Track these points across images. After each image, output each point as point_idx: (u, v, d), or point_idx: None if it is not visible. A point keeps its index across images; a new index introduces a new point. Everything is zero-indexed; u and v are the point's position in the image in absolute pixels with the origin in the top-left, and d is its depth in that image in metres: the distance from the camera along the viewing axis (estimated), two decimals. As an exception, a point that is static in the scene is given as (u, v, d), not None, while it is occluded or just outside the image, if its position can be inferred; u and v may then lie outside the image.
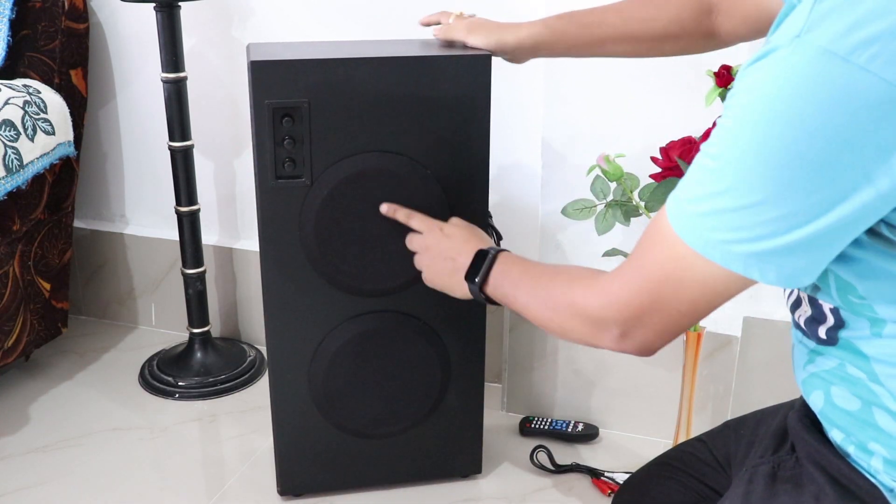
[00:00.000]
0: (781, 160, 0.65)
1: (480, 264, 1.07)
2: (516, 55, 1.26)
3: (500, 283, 1.05)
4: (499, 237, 1.38)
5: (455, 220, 1.24)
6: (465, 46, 1.27)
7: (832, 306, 0.78)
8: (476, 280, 1.07)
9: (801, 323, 0.84)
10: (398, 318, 1.38)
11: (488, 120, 1.30)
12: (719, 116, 0.72)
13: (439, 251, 1.18)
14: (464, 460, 1.52)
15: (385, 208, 1.27)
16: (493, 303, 1.08)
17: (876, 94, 0.62)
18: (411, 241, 1.24)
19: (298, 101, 1.22)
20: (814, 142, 0.64)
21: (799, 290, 0.82)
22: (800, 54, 0.64)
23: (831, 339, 0.79)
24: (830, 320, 0.79)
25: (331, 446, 1.44)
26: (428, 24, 1.35)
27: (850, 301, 0.75)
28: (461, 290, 1.12)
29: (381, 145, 1.27)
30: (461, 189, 1.32)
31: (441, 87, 1.26)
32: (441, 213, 1.28)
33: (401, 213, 1.26)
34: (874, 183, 0.64)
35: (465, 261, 1.10)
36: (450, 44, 1.30)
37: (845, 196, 0.65)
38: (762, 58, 0.67)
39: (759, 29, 1.14)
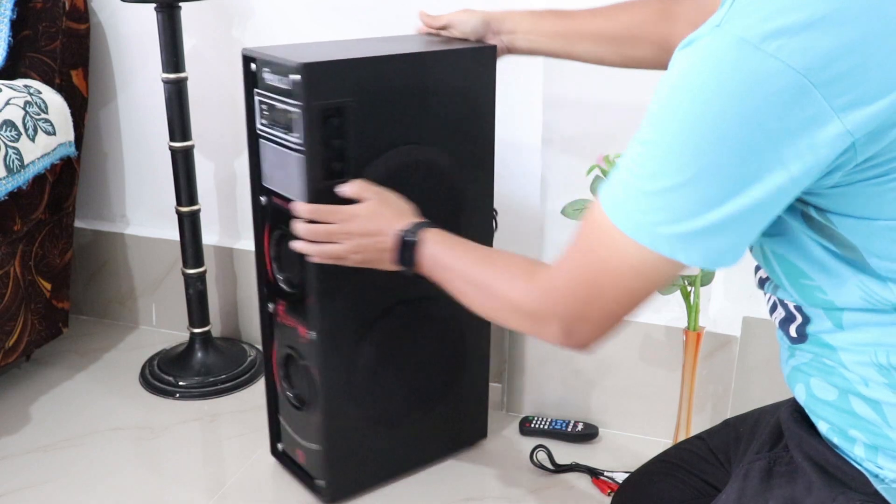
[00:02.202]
0: (701, 143, 0.68)
1: (405, 249, 1.06)
2: (496, 39, 1.34)
3: (430, 267, 1.04)
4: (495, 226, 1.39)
5: (365, 194, 1.17)
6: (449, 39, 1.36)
7: (795, 304, 0.82)
8: (406, 266, 1.07)
9: (777, 324, 0.87)
10: (416, 305, 1.41)
11: (494, 106, 1.39)
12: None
13: (364, 235, 1.12)
14: (472, 430, 1.59)
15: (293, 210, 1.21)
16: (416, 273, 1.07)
17: (784, 81, 0.65)
18: (328, 233, 1.15)
19: (344, 100, 1.23)
20: (730, 125, 0.67)
21: (771, 293, 0.86)
22: (718, 42, 0.67)
23: (801, 336, 0.83)
24: (798, 318, 0.83)
25: (365, 442, 1.45)
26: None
27: (804, 287, 0.79)
28: (391, 267, 1.11)
29: (414, 138, 1.32)
30: (470, 176, 1.41)
31: (456, 77, 1.33)
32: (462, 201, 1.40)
33: (304, 209, 1.18)
34: (786, 166, 0.68)
35: (391, 242, 1.08)
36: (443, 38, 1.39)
37: (759, 178, 0.68)
38: (687, 45, 0.70)
39: None
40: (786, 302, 0.84)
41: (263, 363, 1.93)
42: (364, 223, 1.13)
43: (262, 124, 1.32)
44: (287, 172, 1.29)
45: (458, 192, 1.39)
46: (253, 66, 1.31)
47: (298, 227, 1.17)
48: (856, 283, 0.75)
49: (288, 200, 1.29)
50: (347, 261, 1.15)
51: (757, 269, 0.88)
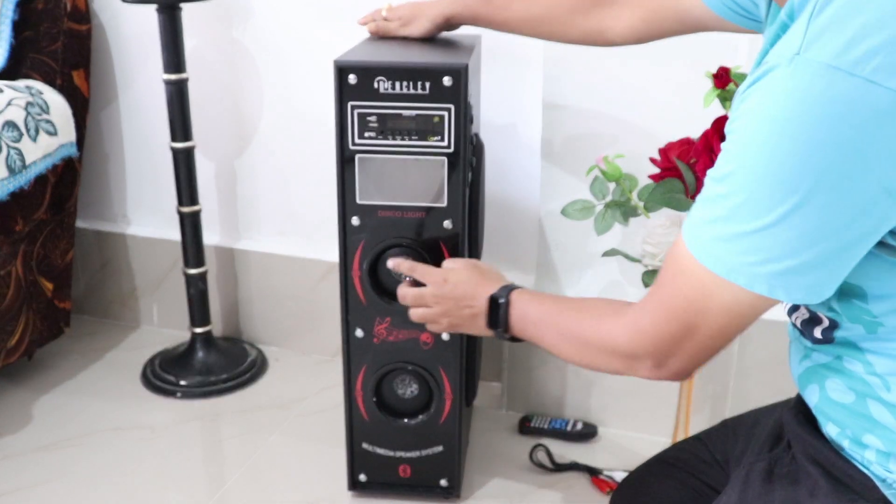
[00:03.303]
0: (793, 178, 0.65)
1: (497, 311, 1.05)
2: (446, 28, 1.39)
3: (521, 326, 1.04)
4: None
5: (454, 264, 1.19)
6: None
7: (830, 308, 0.79)
8: (499, 328, 1.05)
9: (798, 324, 0.85)
10: None
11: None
12: (724, 129, 0.73)
13: (454, 301, 1.13)
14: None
15: (391, 263, 1.26)
16: (520, 340, 1.07)
17: (883, 104, 0.62)
18: (419, 296, 1.17)
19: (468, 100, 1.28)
20: (825, 156, 0.64)
21: None
22: (801, 72, 0.64)
23: (827, 339, 0.81)
24: (826, 322, 0.81)
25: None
26: (365, 24, 1.44)
27: (852, 305, 0.76)
28: (484, 332, 1.10)
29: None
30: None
31: None
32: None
33: (404, 266, 1.23)
34: (892, 193, 0.65)
35: (482, 307, 1.08)
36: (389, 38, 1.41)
37: (864, 209, 0.65)
38: (761, 78, 0.67)
39: (655, 30, 1.20)
40: (814, 305, 0.81)
41: (264, 362, 1.94)
42: (454, 288, 1.13)
43: (369, 136, 1.27)
44: (416, 180, 1.29)
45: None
46: (352, 77, 1.24)
47: (399, 289, 1.21)
48: None
49: (405, 210, 1.30)
50: (439, 325, 1.16)
51: None
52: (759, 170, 0.66)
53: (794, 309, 0.86)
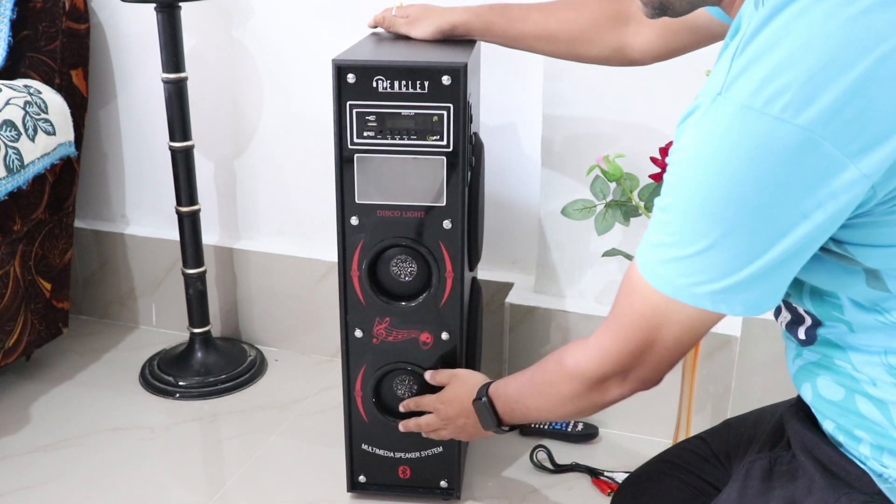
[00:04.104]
0: (720, 209, 0.71)
1: (485, 412, 1.15)
2: (454, 37, 1.37)
3: (509, 412, 1.12)
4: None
5: (440, 378, 1.33)
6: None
7: (806, 309, 0.83)
8: (496, 427, 1.15)
9: (784, 327, 0.88)
10: None
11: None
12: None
13: (455, 417, 1.25)
14: None
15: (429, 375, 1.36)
16: (520, 427, 1.17)
17: (792, 139, 0.66)
18: (429, 426, 1.32)
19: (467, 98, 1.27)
20: (746, 189, 0.69)
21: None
22: (721, 111, 0.69)
23: (810, 338, 0.84)
24: (807, 320, 0.84)
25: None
26: (376, 26, 1.43)
27: (824, 302, 0.80)
28: (488, 434, 1.20)
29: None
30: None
31: None
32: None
33: (410, 404, 1.36)
34: (810, 217, 0.69)
35: (475, 416, 1.18)
36: (398, 35, 1.40)
37: (785, 232, 0.70)
38: (690, 114, 0.73)
39: (673, 45, 1.22)
40: (794, 306, 0.85)
41: (263, 363, 1.93)
42: (448, 410, 1.27)
43: (368, 136, 1.27)
44: (415, 180, 1.28)
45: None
46: (351, 77, 1.24)
47: (407, 424, 1.35)
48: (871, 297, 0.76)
49: (404, 210, 1.30)
50: (460, 437, 1.30)
51: None
52: (689, 201, 0.73)
53: (778, 313, 0.89)
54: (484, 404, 1.14)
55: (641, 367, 0.86)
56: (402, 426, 1.35)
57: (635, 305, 0.82)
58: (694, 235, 0.73)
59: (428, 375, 1.35)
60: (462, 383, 1.27)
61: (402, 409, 1.37)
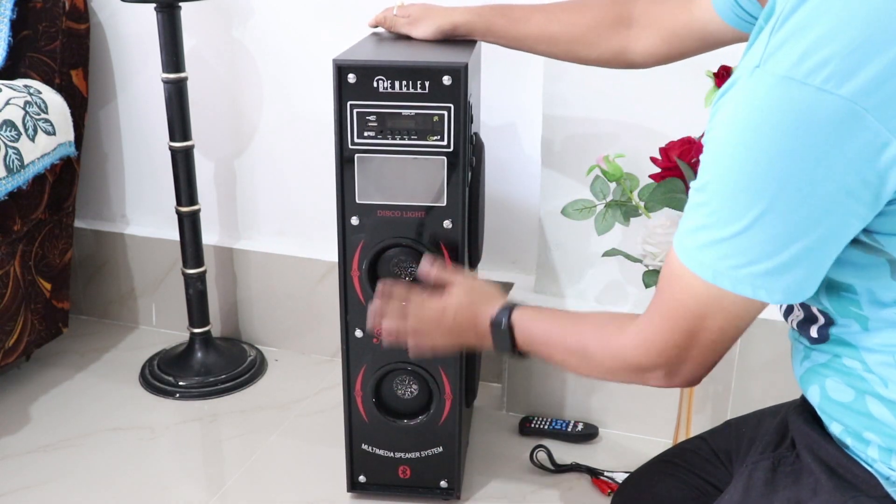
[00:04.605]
0: (760, 184, 0.69)
1: (501, 335, 1.03)
2: (454, 37, 1.36)
3: (527, 345, 1.02)
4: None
5: (437, 276, 1.14)
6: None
7: (820, 307, 0.82)
8: (505, 351, 1.04)
9: (794, 326, 0.87)
10: None
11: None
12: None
13: (454, 328, 1.09)
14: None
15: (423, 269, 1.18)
16: (527, 356, 1.05)
17: (835, 110, 0.65)
18: (411, 326, 1.11)
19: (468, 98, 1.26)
20: (787, 163, 0.67)
21: None
22: (760, 83, 0.68)
23: (822, 337, 0.83)
24: (821, 319, 0.82)
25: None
26: (376, 26, 1.43)
27: (841, 298, 0.79)
28: (479, 347, 1.08)
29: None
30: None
31: None
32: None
33: (391, 289, 1.15)
34: (854, 194, 0.68)
35: (485, 331, 1.05)
36: (399, 35, 1.40)
37: (827, 210, 0.69)
38: (728, 90, 0.71)
39: (676, 50, 1.21)
40: (806, 303, 0.84)
41: (263, 363, 1.93)
42: (455, 314, 1.09)
43: (368, 136, 1.27)
44: (415, 180, 1.28)
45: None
46: (351, 76, 1.24)
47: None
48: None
49: (405, 210, 1.30)
50: (444, 345, 1.12)
51: None
52: (728, 178, 0.71)
53: (790, 311, 0.87)
54: (506, 329, 1.02)
55: (688, 362, 0.82)
56: (372, 315, 1.14)
57: (677, 294, 0.79)
58: (733, 215, 0.71)
59: (425, 265, 1.16)
60: (470, 292, 1.10)
61: (376, 295, 1.15)
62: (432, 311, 1.11)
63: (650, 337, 0.84)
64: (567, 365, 0.98)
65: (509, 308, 1.04)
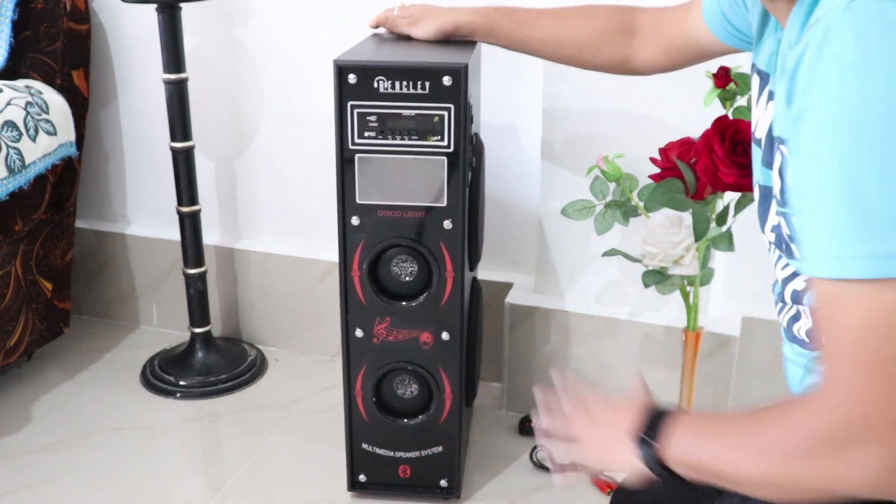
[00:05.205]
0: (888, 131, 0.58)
1: (647, 455, 0.80)
2: (455, 37, 1.34)
3: (684, 471, 0.78)
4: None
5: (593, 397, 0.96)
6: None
7: None
8: (649, 440, 0.80)
9: (802, 334, 0.84)
10: None
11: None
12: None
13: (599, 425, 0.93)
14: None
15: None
16: (673, 475, 0.79)
17: None
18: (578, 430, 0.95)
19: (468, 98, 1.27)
20: None
21: (799, 303, 0.83)
22: (862, 11, 0.59)
23: None
24: None
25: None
26: (377, 26, 1.42)
27: None
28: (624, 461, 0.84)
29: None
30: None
31: None
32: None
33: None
34: None
35: (630, 422, 0.85)
36: (400, 35, 1.39)
37: None
38: (810, 46, 0.61)
39: (675, 60, 1.20)
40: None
41: (264, 363, 1.94)
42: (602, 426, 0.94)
43: (368, 136, 1.27)
44: (416, 180, 1.29)
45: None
46: (352, 77, 1.24)
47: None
48: None
49: (405, 210, 1.30)
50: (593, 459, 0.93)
51: (785, 282, 0.84)
52: (848, 153, 0.59)
53: (795, 319, 0.83)
54: (650, 451, 0.79)
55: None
56: (542, 416, 0.97)
57: (844, 329, 0.62)
58: (857, 190, 0.59)
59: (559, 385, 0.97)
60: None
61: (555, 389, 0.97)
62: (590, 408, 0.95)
63: (841, 394, 0.63)
64: (743, 477, 0.72)
65: (656, 419, 0.83)
